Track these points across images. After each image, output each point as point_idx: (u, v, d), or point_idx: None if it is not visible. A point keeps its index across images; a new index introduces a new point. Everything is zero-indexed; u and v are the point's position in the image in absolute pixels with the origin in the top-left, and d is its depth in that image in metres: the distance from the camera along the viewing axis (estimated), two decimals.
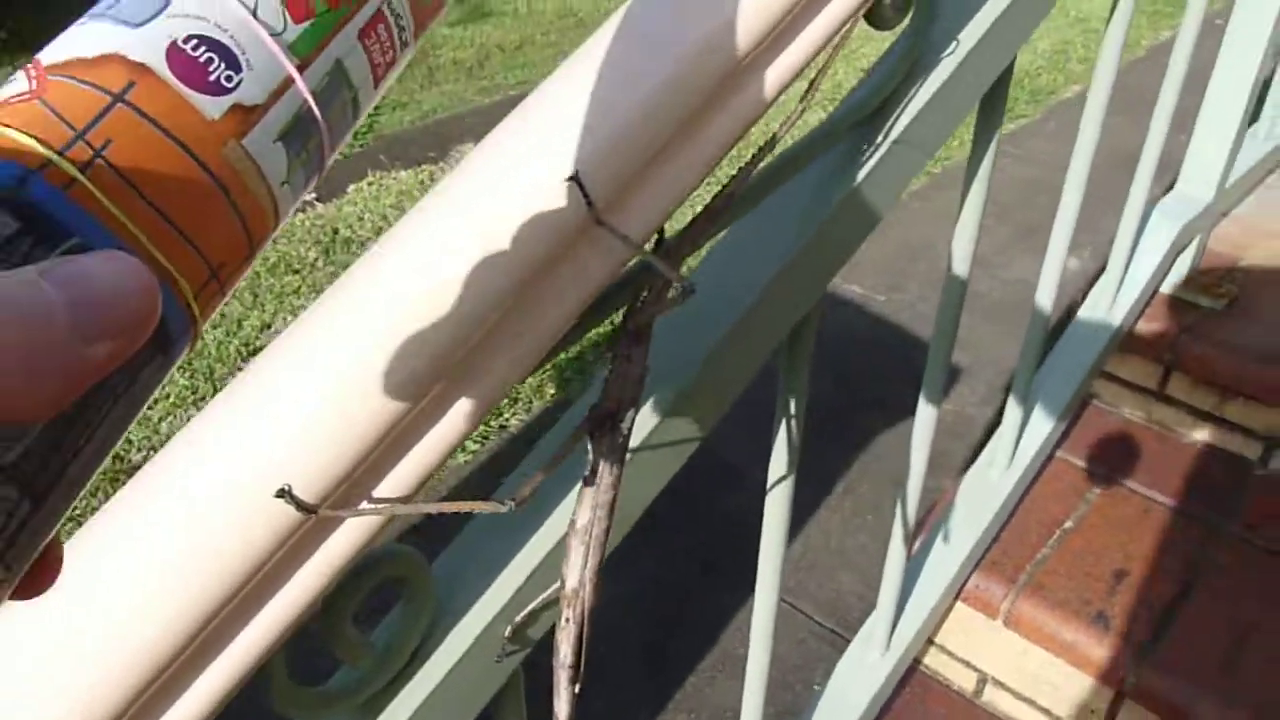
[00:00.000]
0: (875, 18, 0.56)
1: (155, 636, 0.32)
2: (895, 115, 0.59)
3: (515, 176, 0.38)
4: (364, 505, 0.37)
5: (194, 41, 0.21)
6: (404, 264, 0.37)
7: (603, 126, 0.38)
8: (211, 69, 0.21)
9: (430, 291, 0.36)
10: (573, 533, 0.42)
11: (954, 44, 0.61)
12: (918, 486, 0.92)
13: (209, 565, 0.32)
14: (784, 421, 0.65)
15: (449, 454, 0.39)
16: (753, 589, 0.74)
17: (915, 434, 0.88)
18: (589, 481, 0.42)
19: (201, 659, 0.34)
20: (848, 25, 0.48)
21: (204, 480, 0.33)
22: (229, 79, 0.21)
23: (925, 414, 0.87)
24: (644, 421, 0.50)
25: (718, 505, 1.96)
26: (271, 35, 0.22)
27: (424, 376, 0.36)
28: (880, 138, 0.58)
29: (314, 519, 0.35)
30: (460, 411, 0.39)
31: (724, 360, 0.53)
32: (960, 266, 0.77)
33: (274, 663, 0.40)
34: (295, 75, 0.22)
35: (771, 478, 0.68)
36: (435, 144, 3.50)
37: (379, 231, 2.82)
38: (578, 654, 0.41)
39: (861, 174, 0.58)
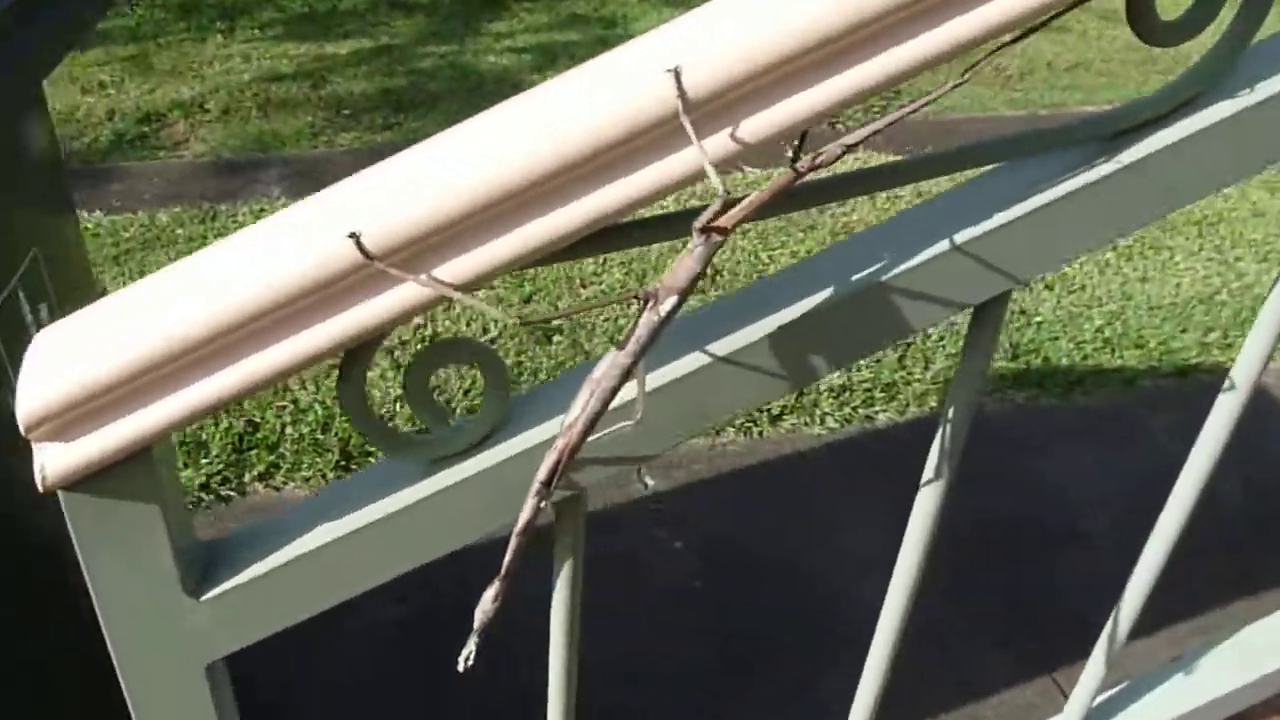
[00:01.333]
0: (1141, 25, 0.52)
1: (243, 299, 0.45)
2: (1145, 139, 0.55)
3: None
4: (422, 276, 0.46)
5: None
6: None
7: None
8: None
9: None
10: (588, 380, 0.48)
11: (1248, 90, 0.55)
12: None
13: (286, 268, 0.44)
14: (941, 431, 0.64)
15: (509, 266, 0.48)
16: None
17: None
18: (620, 345, 0.48)
19: (269, 337, 0.46)
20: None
21: (307, 210, 0.45)
22: None
23: None
24: (727, 333, 0.55)
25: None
26: None
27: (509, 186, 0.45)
28: (1109, 160, 0.55)
29: (373, 266, 0.45)
30: (531, 231, 0.47)
31: (827, 322, 0.55)
32: None
33: (351, 394, 0.52)
34: None
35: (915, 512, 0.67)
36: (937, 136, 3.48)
37: None
38: (551, 475, 0.48)
39: (1077, 186, 0.55)
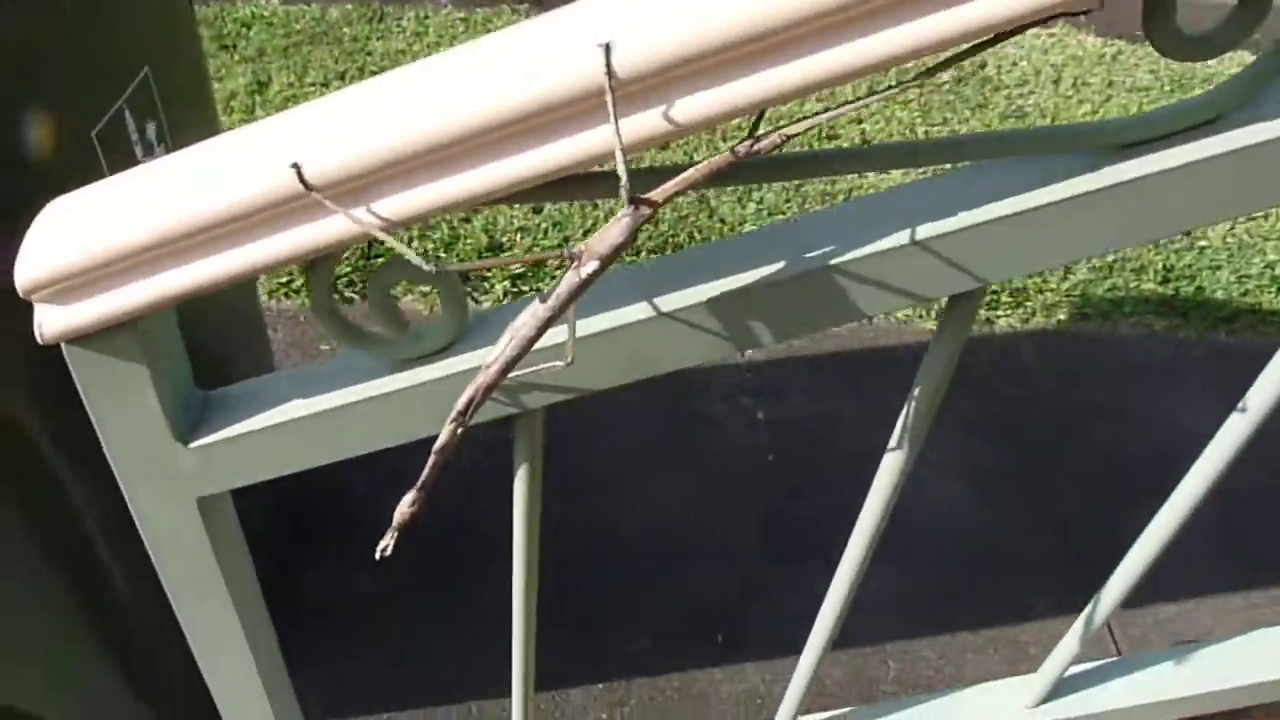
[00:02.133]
0: (1159, 36, 0.48)
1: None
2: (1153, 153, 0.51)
3: None
4: (355, 211, 0.49)
5: None
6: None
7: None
8: None
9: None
10: (509, 325, 0.51)
11: (1269, 121, 0.50)
12: None
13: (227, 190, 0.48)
14: (907, 408, 0.64)
15: (452, 208, 0.50)
16: None
17: None
18: (543, 298, 0.50)
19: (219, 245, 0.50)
20: None
21: (257, 136, 0.48)
22: None
23: None
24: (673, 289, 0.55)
25: None
26: None
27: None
28: (1105, 173, 0.52)
29: (310, 196, 0.48)
30: (469, 180, 0.49)
31: (794, 294, 0.55)
32: None
33: (316, 297, 0.56)
34: None
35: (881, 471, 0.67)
36: None
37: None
38: (467, 407, 0.52)
39: (1064, 196, 0.52)
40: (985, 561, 1.86)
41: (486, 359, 0.52)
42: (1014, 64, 3.04)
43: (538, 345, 0.56)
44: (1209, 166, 0.50)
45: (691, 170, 0.48)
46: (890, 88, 0.46)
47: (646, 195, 0.48)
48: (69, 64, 0.94)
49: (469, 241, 2.29)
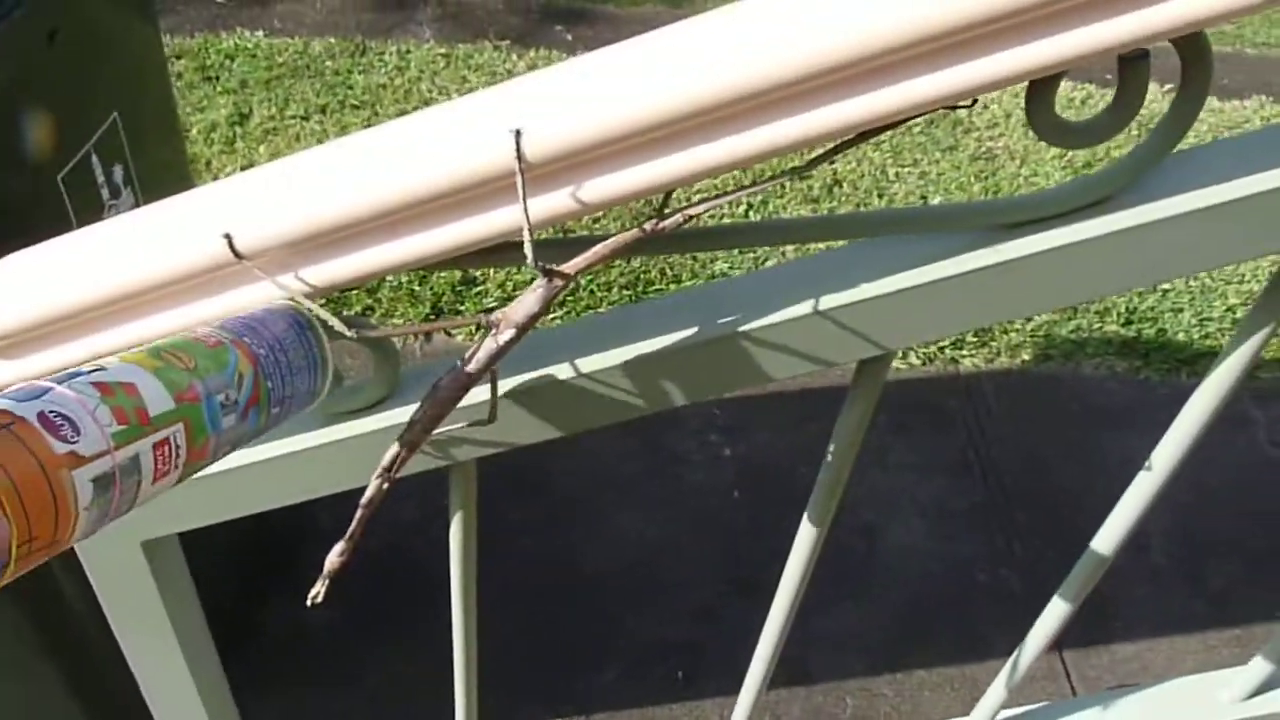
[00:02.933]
0: (1040, 123, 0.51)
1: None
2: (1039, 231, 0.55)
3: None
4: (283, 278, 0.52)
5: (55, 412, 0.36)
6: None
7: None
8: (62, 429, 0.36)
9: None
10: (433, 385, 0.54)
11: (1155, 202, 0.53)
12: None
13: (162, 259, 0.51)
14: (824, 464, 0.67)
15: (366, 277, 0.53)
16: None
17: None
18: (464, 361, 0.53)
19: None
20: None
21: (194, 205, 0.51)
22: (71, 437, 0.36)
23: None
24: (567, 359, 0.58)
25: None
26: (101, 426, 0.38)
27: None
28: (993, 252, 0.55)
29: (240, 265, 0.51)
30: (397, 249, 0.52)
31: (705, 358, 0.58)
32: None
33: None
34: (110, 451, 0.38)
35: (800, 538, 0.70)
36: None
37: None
38: (392, 464, 0.54)
39: (953, 273, 0.55)
40: (945, 600, 1.88)
41: (412, 416, 0.55)
42: (984, 107, 3.10)
43: (465, 402, 0.59)
44: (1094, 246, 0.54)
45: (602, 245, 0.51)
46: (784, 173, 0.50)
47: (560, 268, 0.51)
48: (38, 109, 0.97)
49: (399, 290, 2.32)
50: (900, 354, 2.34)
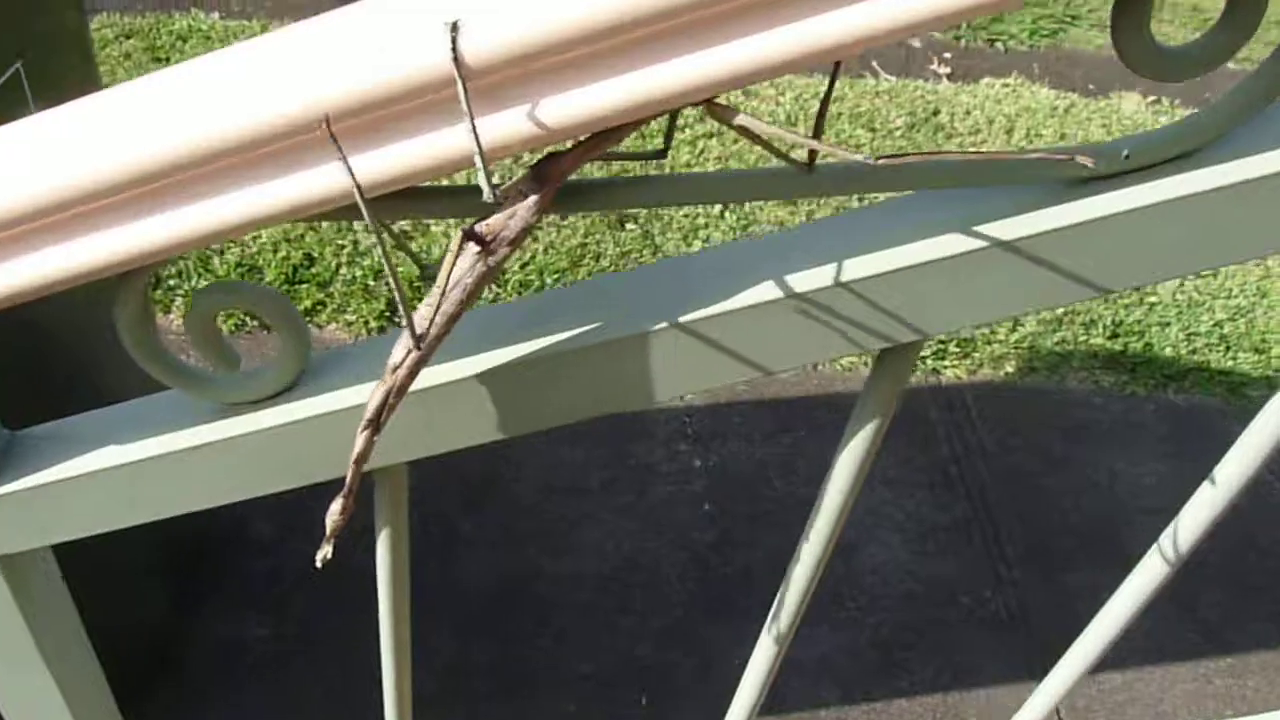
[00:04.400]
0: (1129, 48, 0.40)
1: None
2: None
3: None
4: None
5: None
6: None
7: None
8: None
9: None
10: (416, 317, 0.42)
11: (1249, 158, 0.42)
12: None
13: None
14: (824, 488, 0.55)
15: (266, 220, 0.41)
16: None
17: None
18: (443, 288, 0.41)
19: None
20: None
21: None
22: None
23: None
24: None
25: None
26: None
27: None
28: (1063, 210, 0.44)
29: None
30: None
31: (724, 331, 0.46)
32: None
33: (125, 316, 0.46)
34: None
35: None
36: None
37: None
38: (379, 411, 0.43)
39: (1014, 236, 0.44)
40: (925, 623, 1.78)
41: (393, 360, 0.43)
42: (967, 112, 3.02)
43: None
44: (1175, 209, 0.43)
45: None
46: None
47: (546, 161, 0.40)
48: None
49: (354, 285, 2.18)
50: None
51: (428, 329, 0.40)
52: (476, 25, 0.36)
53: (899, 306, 0.46)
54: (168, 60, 2.67)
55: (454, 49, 0.36)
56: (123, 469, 0.52)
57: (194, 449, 0.51)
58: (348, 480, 0.44)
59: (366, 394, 0.49)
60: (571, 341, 0.47)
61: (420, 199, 0.44)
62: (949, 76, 3.27)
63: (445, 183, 0.43)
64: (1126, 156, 0.43)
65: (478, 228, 0.41)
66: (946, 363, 2.28)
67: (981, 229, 0.44)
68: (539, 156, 0.42)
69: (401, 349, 0.41)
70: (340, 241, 2.21)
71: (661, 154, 0.45)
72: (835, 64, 0.39)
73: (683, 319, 0.46)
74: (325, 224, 2.27)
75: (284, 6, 3.02)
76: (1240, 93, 0.42)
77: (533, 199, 0.40)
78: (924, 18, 0.36)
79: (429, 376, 0.48)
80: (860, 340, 0.47)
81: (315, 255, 2.18)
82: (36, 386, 1.12)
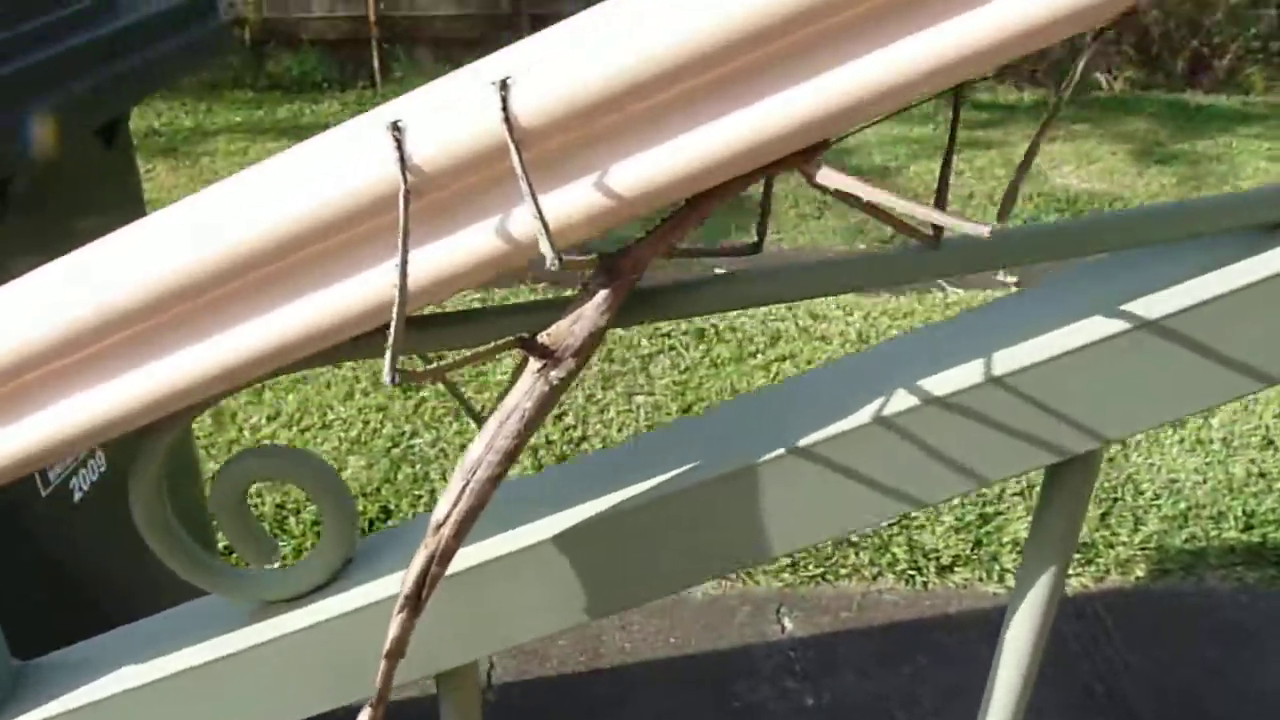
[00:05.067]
0: None
1: None
2: None
3: None
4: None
5: None
6: None
7: None
8: None
9: None
10: (459, 467, 0.34)
11: None
12: None
13: None
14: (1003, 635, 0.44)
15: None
16: None
17: None
18: (502, 417, 0.34)
19: None
20: None
21: None
22: None
23: None
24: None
25: None
26: None
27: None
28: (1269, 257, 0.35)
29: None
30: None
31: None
32: None
33: (139, 493, 0.39)
34: None
35: None
36: None
37: None
38: (419, 585, 0.34)
39: (1213, 295, 0.35)
40: None
41: (436, 516, 0.34)
42: None
43: (451, 569, 0.38)
44: None
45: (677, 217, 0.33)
46: None
47: (621, 258, 0.33)
48: None
49: None
50: (997, 576, 2.06)
51: (478, 469, 0.32)
52: (528, 84, 0.30)
53: (1067, 403, 0.37)
54: None
55: (504, 109, 0.30)
56: (140, 692, 0.43)
57: (223, 660, 0.42)
58: (378, 681, 0.35)
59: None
60: (664, 487, 0.39)
61: (458, 325, 0.37)
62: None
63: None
64: None
65: (538, 337, 0.34)
66: (1069, 570, 2.09)
67: (1159, 295, 0.36)
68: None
69: (448, 501, 0.33)
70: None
71: (756, 248, 0.38)
72: (956, 96, 0.33)
73: (801, 442, 0.37)
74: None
75: None
76: None
77: (601, 295, 0.33)
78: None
79: (491, 546, 0.40)
80: (1026, 454, 0.38)
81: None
82: (55, 600, 1.03)
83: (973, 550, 2.10)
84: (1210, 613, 2.02)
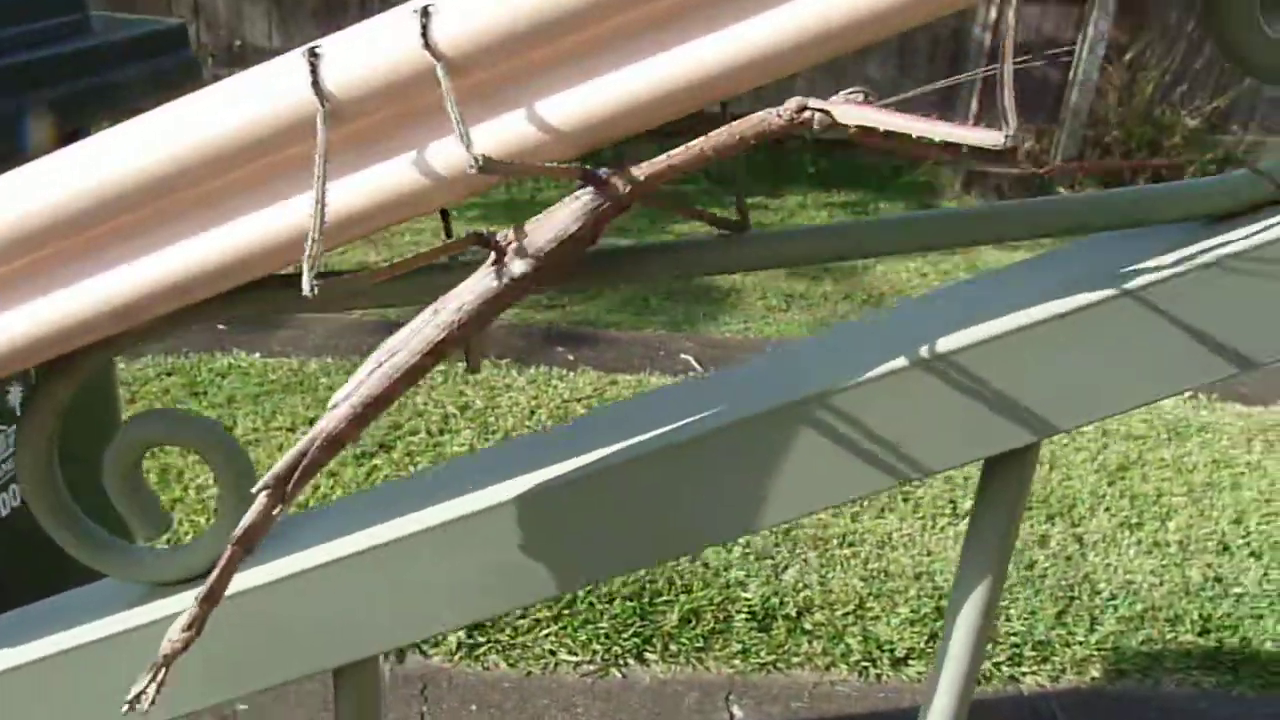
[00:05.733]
0: (1226, 31, 0.33)
1: None
2: None
3: None
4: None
5: None
6: None
7: None
8: None
9: None
10: (377, 350, 0.32)
11: None
12: None
13: None
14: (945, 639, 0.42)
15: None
16: None
17: None
18: (437, 307, 0.32)
19: None
20: None
21: None
22: None
23: None
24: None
25: None
26: None
27: None
28: (1208, 251, 0.35)
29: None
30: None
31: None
32: None
33: (25, 459, 0.37)
34: None
35: None
36: None
37: None
38: (292, 466, 0.32)
39: (1153, 280, 0.35)
40: None
41: (335, 397, 0.32)
42: None
43: (364, 544, 0.36)
44: None
45: (696, 144, 0.31)
46: None
47: (620, 169, 0.31)
48: None
49: None
50: None
51: (396, 353, 0.31)
52: (449, 12, 0.29)
53: (1008, 391, 0.36)
54: (205, 394, 2.73)
55: (425, 36, 0.29)
56: (20, 672, 0.40)
57: (108, 640, 0.39)
58: (213, 576, 0.32)
59: (341, 550, 0.38)
60: (621, 454, 0.37)
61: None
62: None
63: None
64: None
65: (499, 232, 0.32)
66: (1024, 668, 2.06)
67: (1101, 281, 0.35)
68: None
69: (353, 382, 0.31)
70: None
71: (741, 226, 0.37)
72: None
73: (726, 422, 0.36)
74: None
75: (324, 348, 3.13)
76: None
77: (580, 203, 0.31)
78: None
79: (424, 517, 0.37)
80: (968, 443, 0.36)
81: None
82: None
83: (927, 643, 2.07)
84: (1167, 717, 1.98)
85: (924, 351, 0.35)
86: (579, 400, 2.89)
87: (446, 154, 0.31)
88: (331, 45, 0.30)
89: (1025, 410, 0.36)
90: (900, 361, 0.35)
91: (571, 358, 3.31)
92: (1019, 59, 0.27)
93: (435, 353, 0.32)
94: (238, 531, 0.32)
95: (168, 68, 0.93)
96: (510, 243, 0.31)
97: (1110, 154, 4.97)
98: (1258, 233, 0.34)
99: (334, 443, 0.32)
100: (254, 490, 0.34)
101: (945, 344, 0.35)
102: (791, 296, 3.86)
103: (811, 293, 3.94)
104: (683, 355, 3.29)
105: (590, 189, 0.31)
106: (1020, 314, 0.35)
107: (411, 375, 0.32)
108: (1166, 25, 4.70)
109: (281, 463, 0.32)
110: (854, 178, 5.11)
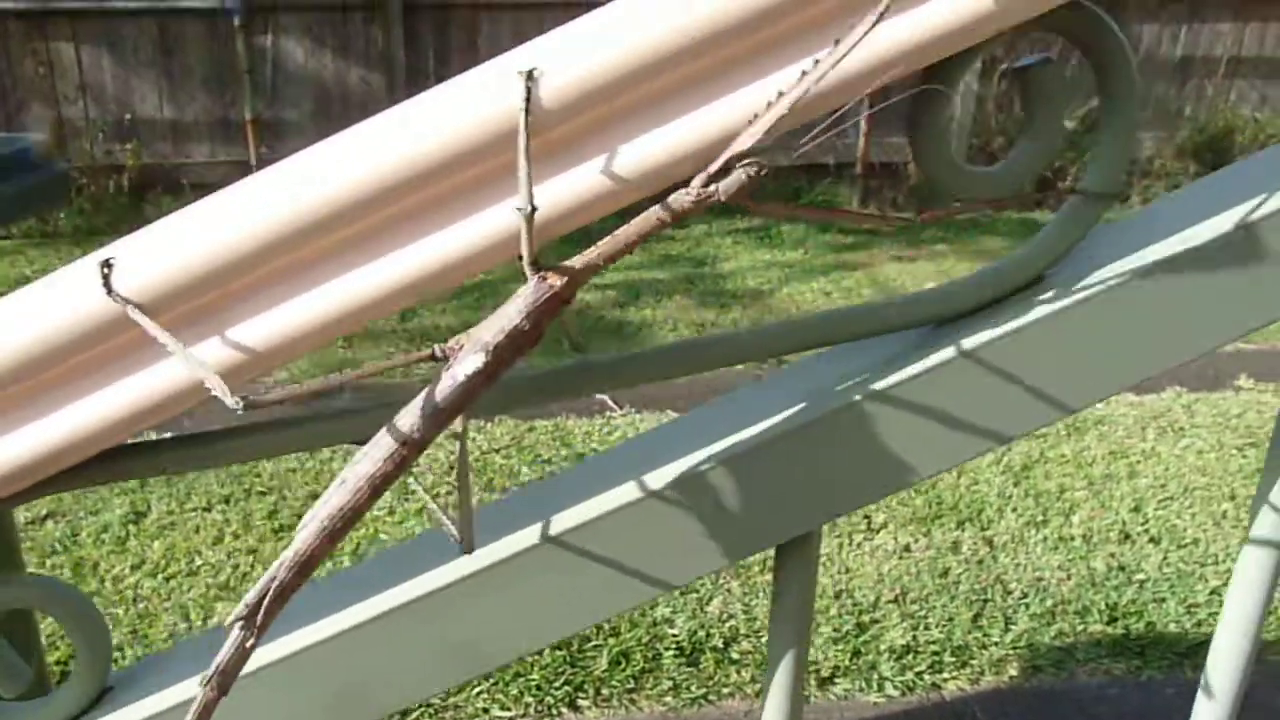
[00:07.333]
0: (931, 163, 0.39)
1: None
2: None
3: None
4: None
5: None
6: None
7: None
8: None
9: None
10: (344, 472, 0.35)
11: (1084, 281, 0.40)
12: None
13: None
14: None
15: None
16: None
17: None
18: (400, 418, 0.35)
19: None
20: None
21: None
22: None
23: None
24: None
25: None
26: None
27: None
28: (931, 353, 0.40)
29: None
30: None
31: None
32: None
33: None
34: None
35: None
36: None
37: None
38: (259, 598, 0.34)
39: (888, 384, 0.40)
40: None
41: (305, 518, 0.35)
42: None
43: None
44: (1036, 333, 0.39)
45: (611, 238, 0.35)
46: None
47: (556, 265, 0.35)
48: None
49: None
50: (877, 685, 2.08)
51: (378, 465, 0.34)
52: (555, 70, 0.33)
53: (786, 486, 0.40)
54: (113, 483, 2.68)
55: (527, 98, 0.32)
56: None
57: None
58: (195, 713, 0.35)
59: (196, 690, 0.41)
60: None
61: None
62: None
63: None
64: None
65: (450, 340, 0.35)
66: (945, 674, 2.13)
67: (845, 386, 0.40)
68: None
69: (326, 498, 0.34)
70: None
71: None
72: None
73: (553, 533, 0.40)
74: None
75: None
76: (1064, 218, 0.40)
77: (523, 299, 0.35)
78: None
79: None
80: (758, 535, 0.41)
81: None
82: None
83: (852, 660, 2.12)
84: (1085, 707, 2.07)
85: (718, 448, 0.40)
86: (497, 451, 2.91)
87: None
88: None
89: (806, 501, 0.41)
90: (703, 465, 0.39)
91: None
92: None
93: (399, 460, 0.34)
94: (210, 672, 0.34)
95: (29, 188, 0.94)
96: (459, 345, 0.35)
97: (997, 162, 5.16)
98: (965, 337, 0.39)
99: (306, 564, 0.34)
100: (227, 624, 0.35)
101: (732, 449, 0.40)
102: (703, 326, 3.93)
103: (722, 320, 4.02)
104: (598, 395, 3.33)
105: (535, 279, 0.35)
106: (773, 421, 0.40)
107: (377, 485, 0.34)
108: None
109: (253, 590, 0.34)
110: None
